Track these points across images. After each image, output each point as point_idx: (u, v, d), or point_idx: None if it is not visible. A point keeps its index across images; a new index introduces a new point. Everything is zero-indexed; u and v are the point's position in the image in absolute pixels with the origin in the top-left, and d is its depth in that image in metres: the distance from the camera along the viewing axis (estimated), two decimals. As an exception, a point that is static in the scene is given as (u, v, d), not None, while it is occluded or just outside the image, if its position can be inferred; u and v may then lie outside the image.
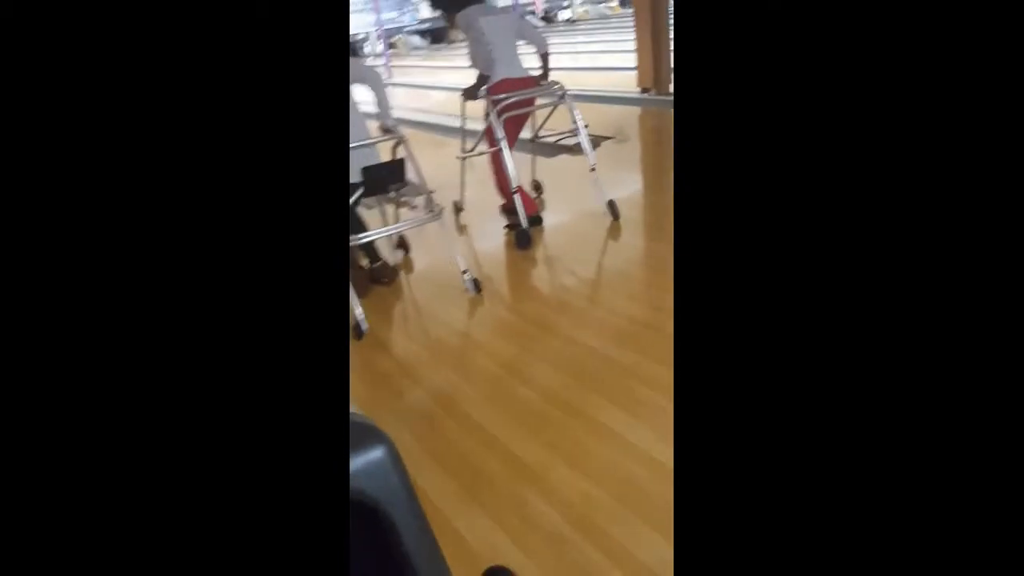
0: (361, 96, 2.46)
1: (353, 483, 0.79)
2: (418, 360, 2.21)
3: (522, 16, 3.46)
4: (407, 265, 2.98)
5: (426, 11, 14.11)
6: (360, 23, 13.72)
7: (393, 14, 14.14)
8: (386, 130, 2.54)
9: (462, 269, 2.55)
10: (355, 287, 2.38)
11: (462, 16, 2.94)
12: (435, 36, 14.75)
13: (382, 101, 2.54)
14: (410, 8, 14.44)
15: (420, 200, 2.54)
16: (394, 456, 0.83)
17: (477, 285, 2.56)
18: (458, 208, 3.47)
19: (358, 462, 0.79)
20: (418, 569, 0.79)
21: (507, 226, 3.16)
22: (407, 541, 0.80)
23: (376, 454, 0.81)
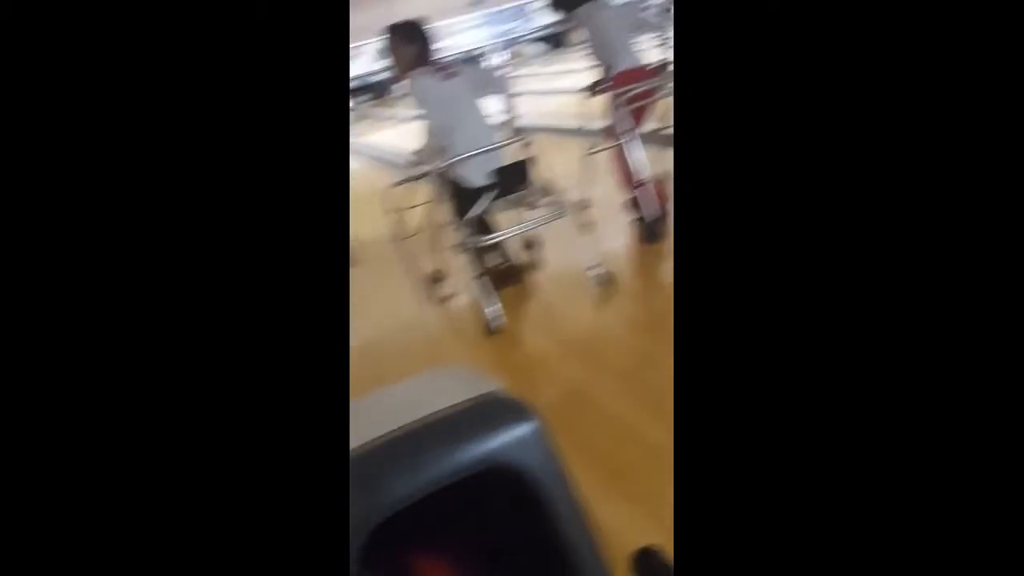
0: (485, 105, 2.56)
1: (499, 456, 0.82)
2: (550, 355, 2.25)
3: (640, 8, 3.42)
4: (536, 264, 3.04)
5: (544, 18, 14.29)
6: (479, 36, 14.14)
7: (511, 24, 14.42)
8: (512, 132, 2.62)
9: (590, 265, 2.56)
10: (487, 286, 2.46)
11: (581, 12, 2.96)
12: (554, 42, 14.88)
13: (508, 106, 2.62)
14: (528, 16, 14.67)
15: (546, 200, 2.59)
16: (543, 431, 0.86)
17: (606, 280, 2.56)
18: (584, 205, 3.48)
19: (505, 437, 0.83)
20: (569, 539, 0.81)
21: (634, 220, 3.13)
22: (558, 512, 0.82)
23: (524, 428, 0.84)
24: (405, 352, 2.53)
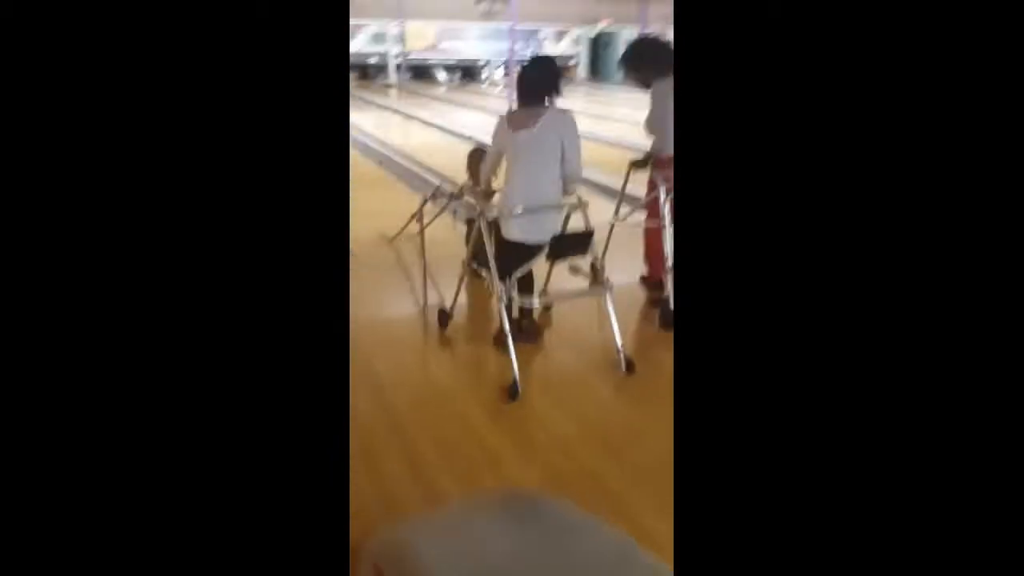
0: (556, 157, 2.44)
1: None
2: (567, 434, 2.16)
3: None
4: (548, 320, 2.95)
5: (549, 48, 14.33)
6: (482, 50, 14.09)
7: (519, 45, 14.44)
8: (566, 191, 2.47)
9: (619, 344, 2.48)
10: (507, 344, 2.33)
11: (663, 83, 2.87)
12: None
13: (572, 158, 2.39)
14: (535, 43, 14.70)
15: (585, 264, 2.51)
16: None
17: (630, 366, 2.49)
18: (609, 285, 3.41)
19: None
20: None
21: (651, 300, 3.09)
22: None
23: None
24: (416, 396, 2.38)
